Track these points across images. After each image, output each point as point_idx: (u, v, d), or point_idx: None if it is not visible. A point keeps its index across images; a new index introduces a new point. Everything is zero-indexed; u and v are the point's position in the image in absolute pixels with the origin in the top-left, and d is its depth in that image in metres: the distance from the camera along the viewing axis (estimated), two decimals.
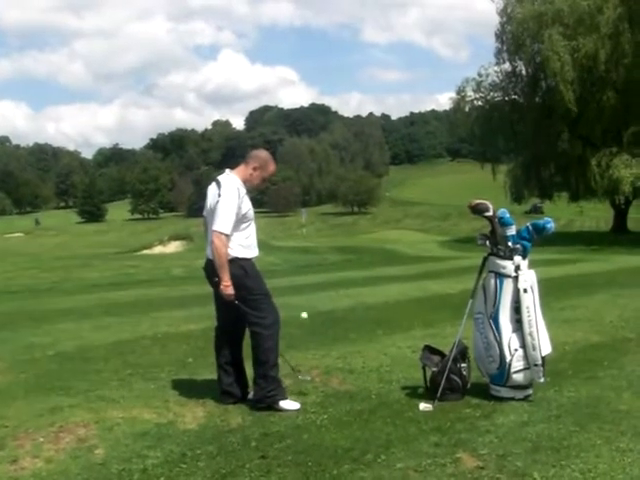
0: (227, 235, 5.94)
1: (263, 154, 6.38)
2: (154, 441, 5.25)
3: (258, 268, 6.28)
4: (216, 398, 6.30)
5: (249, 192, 6.21)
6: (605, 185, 42.83)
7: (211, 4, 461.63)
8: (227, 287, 5.97)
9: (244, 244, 6.13)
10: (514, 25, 46.90)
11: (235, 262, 6.04)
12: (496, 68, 51.38)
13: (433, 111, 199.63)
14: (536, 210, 71.37)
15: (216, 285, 6.12)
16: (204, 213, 6.31)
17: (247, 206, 6.11)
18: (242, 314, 6.16)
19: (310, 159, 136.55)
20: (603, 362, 7.65)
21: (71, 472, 4.65)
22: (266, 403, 6.10)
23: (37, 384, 7.17)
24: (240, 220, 6.05)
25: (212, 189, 6.16)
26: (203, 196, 6.32)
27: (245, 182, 6.16)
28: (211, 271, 6.15)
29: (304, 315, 10.79)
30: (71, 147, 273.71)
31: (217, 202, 6.01)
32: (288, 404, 6.16)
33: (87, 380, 7.28)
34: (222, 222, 5.95)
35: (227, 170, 6.30)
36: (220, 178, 6.18)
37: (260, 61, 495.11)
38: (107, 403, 6.26)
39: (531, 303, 6.04)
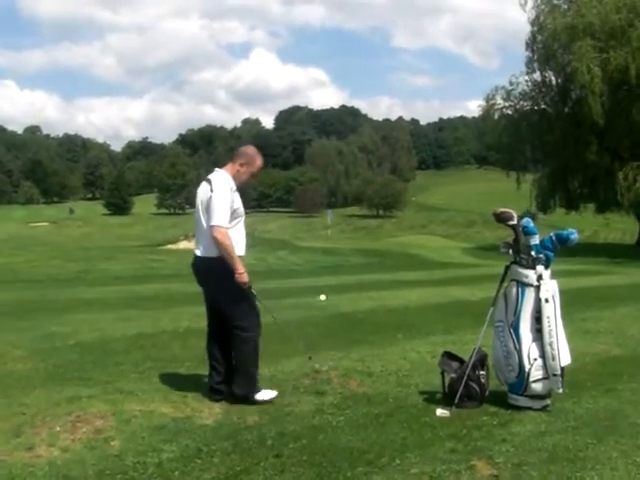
0: (227, 227, 5.97)
1: (250, 150, 6.46)
2: (170, 435, 5.28)
3: (246, 268, 6.18)
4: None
5: (238, 189, 6.26)
6: (631, 198, 42.43)
7: (245, 3, 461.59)
8: (242, 275, 6.00)
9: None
10: (545, 35, 46.63)
11: (220, 260, 6.04)
12: (526, 77, 51.22)
13: (462, 118, 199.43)
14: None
15: (205, 283, 6.29)
16: (194, 212, 6.35)
17: (238, 202, 6.18)
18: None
19: (338, 161, 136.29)
20: (623, 375, 7.59)
21: (86, 462, 4.68)
22: (246, 399, 6.19)
23: (56, 373, 7.24)
24: (231, 216, 6.08)
25: (203, 187, 6.22)
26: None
27: (234, 178, 6.22)
28: (200, 268, 6.24)
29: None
30: (100, 139, 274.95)
31: (210, 198, 6.05)
32: (263, 395, 6.27)
33: (106, 372, 7.34)
34: (219, 216, 5.98)
35: (216, 169, 6.36)
36: (211, 176, 6.25)
37: (292, 61, 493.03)
38: (125, 395, 6.29)
39: (552, 313, 6.01)
